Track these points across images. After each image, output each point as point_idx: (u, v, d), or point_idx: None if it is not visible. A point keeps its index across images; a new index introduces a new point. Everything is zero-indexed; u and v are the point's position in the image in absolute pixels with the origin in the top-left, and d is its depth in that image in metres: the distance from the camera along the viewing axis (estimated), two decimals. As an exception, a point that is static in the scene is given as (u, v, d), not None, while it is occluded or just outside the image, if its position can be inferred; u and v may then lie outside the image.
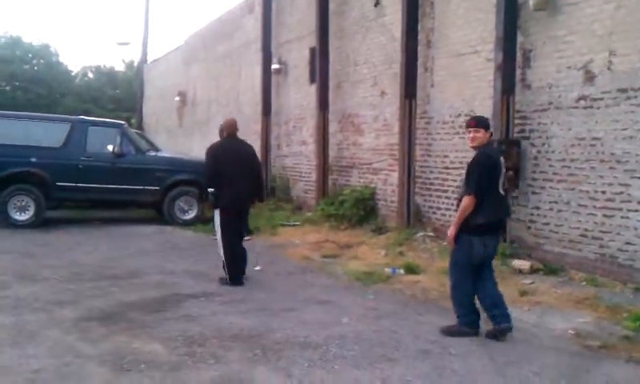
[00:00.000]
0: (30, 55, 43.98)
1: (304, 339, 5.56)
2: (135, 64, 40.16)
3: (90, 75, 49.01)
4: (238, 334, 5.70)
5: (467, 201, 5.61)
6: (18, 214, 11.99)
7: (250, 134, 17.10)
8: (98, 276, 8.08)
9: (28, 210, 12.04)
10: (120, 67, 48.52)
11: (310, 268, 8.93)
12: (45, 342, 5.40)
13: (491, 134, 5.95)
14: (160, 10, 73.42)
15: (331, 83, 13.34)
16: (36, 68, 43.73)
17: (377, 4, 11.92)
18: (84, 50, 79.83)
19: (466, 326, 5.80)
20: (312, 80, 14.19)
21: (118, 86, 46.19)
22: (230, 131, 8.17)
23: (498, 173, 5.67)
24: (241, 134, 16.81)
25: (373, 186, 11.98)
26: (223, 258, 7.88)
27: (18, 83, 42.03)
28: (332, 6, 13.30)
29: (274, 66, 15.69)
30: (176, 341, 5.46)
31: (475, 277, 5.82)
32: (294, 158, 15.19)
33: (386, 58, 11.69)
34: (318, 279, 8.24)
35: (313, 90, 13.83)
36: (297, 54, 15.09)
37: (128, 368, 4.84)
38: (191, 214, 13.08)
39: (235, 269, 7.87)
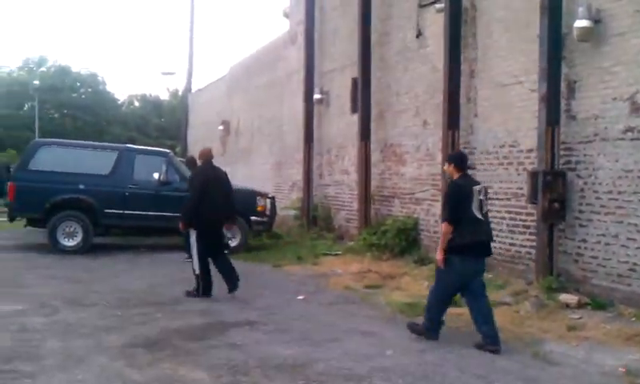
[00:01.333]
0: (78, 84, 45.24)
1: (347, 371, 5.54)
2: (180, 93, 40.98)
3: (136, 104, 50.15)
4: (282, 363, 5.71)
5: (444, 227, 6.48)
6: (66, 239, 12.28)
7: (293, 164, 17.27)
8: (143, 302, 8.22)
9: (76, 236, 12.32)
10: (165, 96, 49.58)
11: (353, 298, 8.90)
12: (93, 367, 5.50)
13: (456, 167, 6.68)
14: (204, 39, 74.87)
15: (373, 113, 13.39)
16: (84, 96, 44.95)
17: (419, 35, 11.98)
18: (130, 78, 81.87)
19: (429, 331, 6.71)
20: (354, 109, 14.26)
21: (163, 114, 47.15)
22: (206, 158, 9.08)
23: (469, 199, 6.38)
24: (283, 163, 16.99)
25: (415, 216, 11.94)
26: (198, 273, 8.67)
27: (66, 111, 43.24)
28: (374, 37, 13.40)
29: (316, 96, 15.81)
30: (220, 369, 5.50)
31: (467, 295, 6.68)
32: (336, 187, 15.24)
33: (428, 88, 11.72)
34: (361, 310, 8.21)
35: (355, 120, 13.89)
36: (339, 83, 15.20)
37: (174, 396, 4.90)
38: (235, 242, 13.19)
39: (208, 283, 8.74)
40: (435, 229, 11.20)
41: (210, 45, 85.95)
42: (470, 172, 7.00)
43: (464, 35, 10.76)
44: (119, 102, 49.35)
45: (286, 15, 18.58)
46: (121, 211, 12.65)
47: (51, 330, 6.65)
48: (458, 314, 7.71)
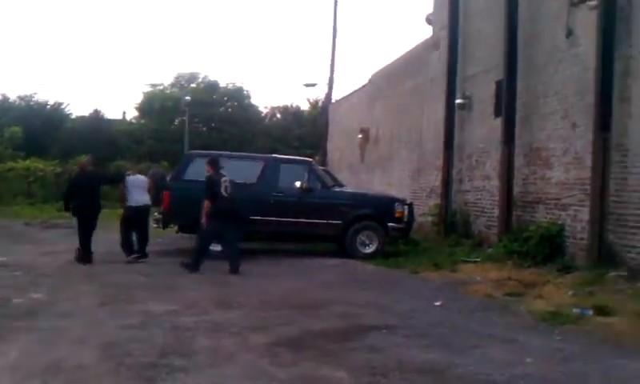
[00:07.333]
0: (225, 98, 47.38)
1: (487, 377, 5.47)
2: (320, 103, 41.89)
3: (278, 115, 51.80)
4: (420, 367, 5.74)
5: (206, 202, 11.29)
6: (214, 245, 12.81)
7: (432, 170, 17.18)
8: (285, 305, 8.52)
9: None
10: (305, 106, 50.86)
11: (493, 306, 8.72)
12: (240, 364, 5.79)
13: (212, 167, 11.61)
14: (345, 48, 76.08)
15: (518, 116, 13.03)
16: (230, 110, 47.01)
17: (569, 34, 11.52)
18: (273, 90, 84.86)
19: (194, 266, 11.10)
20: (497, 114, 13.94)
21: (303, 124, 48.33)
22: (84, 166, 13.15)
23: (218, 186, 11.24)
24: (421, 170, 17.15)
25: (560, 222, 11.46)
26: (79, 245, 12.14)
27: (213, 125, 45.42)
28: (520, 39, 13.03)
29: (458, 101, 15.60)
30: (360, 370, 5.60)
31: (223, 242, 11.57)
32: (476, 192, 14.96)
33: (578, 89, 11.21)
34: (501, 317, 8.03)
35: (497, 124, 13.58)
36: (482, 87, 14.91)
37: (316, 393, 5.08)
38: (372, 248, 13.34)
39: (86, 254, 12.07)
40: (582, 235, 10.73)
41: (351, 54, 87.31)
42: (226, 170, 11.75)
43: (618, 32, 10.23)
44: (262, 115, 51.20)
45: (429, 21, 18.49)
46: (266, 218, 13.16)
47: (201, 329, 7.05)
48: (607, 324, 7.41)
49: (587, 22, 10.86)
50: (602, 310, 7.87)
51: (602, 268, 9.80)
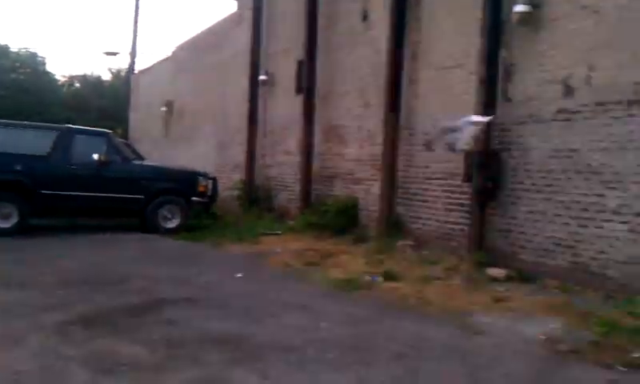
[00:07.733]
0: (17, 64, 43.87)
1: (284, 343, 5.67)
2: (122, 73, 40.28)
3: (77, 85, 48.97)
4: (219, 337, 5.80)
5: None
6: (0, 221, 11.96)
7: (236, 145, 17.26)
8: (80, 282, 8.14)
9: (11, 217, 12.03)
10: (106, 76, 48.55)
11: (291, 275, 9.04)
12: (29, 345, 5.46)
13: None
14: (149, 18, 73.49)
15: (317, 94, 13.51)
16: (22, 77, 43.62)
17: (365, 18, 12.11)
18: (71, 58, 79.61)
19: None
20: (298, 91, 14.33)
21: (105, 95, 46.10)
22: None
23: None
24: (226, 144, 16.98)
25: (355, 196, 12.13)
26: None
27: (3, 92, 41.84)
28: (321, 20, 13.50)
29: (262, 77, 15.80)
30: (157, 344, 5.55)
31: None
32: (278, 167, 15.32)
33: (372, 70, 11.87)
34: (299, 286, 8.35)
35: (299, 102, 13.98)
36: (284, 65, 15.22)
37: (109, 369, 4.92)
38: (174, 222, 13.16)
39: None
40: (374, 207, 11.44)
41: (155, 24, 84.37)
42: None
43: (408, 19, 10.95)
44: (59, 83, 48.12)
45: (235, -4, 18.47)
46: (59, 192, 12.42)
47: (-14, 311, 6.55)
48: (394, 289, 7.97)
49: (381, 6, 11.51)
50: (390, 276, 8.49)
51: (391, 238, 10.54)
